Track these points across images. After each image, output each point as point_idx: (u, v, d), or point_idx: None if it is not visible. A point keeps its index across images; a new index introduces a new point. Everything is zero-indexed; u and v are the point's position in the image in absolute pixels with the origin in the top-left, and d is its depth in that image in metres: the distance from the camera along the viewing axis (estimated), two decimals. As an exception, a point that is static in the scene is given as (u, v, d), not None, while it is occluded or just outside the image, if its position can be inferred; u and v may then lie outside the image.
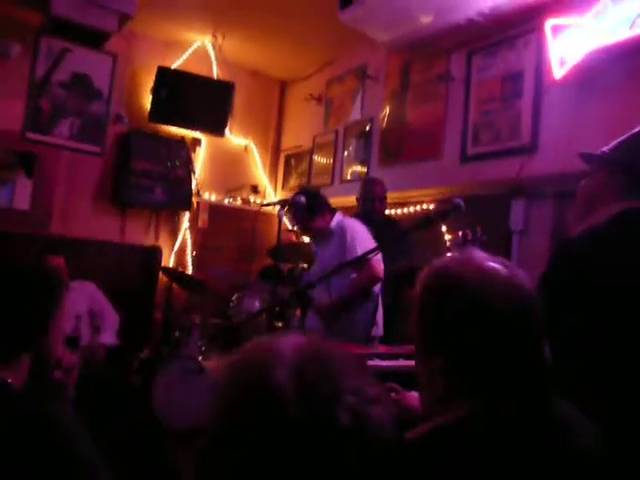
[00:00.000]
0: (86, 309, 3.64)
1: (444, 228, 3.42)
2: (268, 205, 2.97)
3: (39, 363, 1.20)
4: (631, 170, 1.37)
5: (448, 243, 3.30)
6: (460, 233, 2.68)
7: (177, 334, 3.91)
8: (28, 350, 1.16)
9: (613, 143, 1.43)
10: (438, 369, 0.92)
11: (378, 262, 2.83)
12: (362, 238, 2.91)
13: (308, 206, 2.93)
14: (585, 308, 1.23)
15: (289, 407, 0.56)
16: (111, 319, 3.73)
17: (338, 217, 3.07)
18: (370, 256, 2.72)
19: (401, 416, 1.21)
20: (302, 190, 3.10)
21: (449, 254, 1.00)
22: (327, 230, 3.02)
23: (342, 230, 2.95)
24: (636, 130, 1.41)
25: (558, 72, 2.98)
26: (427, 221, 1.80)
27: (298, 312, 3.06)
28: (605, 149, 1.44)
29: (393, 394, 1.35)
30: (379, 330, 2.92)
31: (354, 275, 2.85)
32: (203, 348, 3.71)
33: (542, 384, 0.90)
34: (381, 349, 2.17)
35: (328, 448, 0.55)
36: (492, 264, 0.94)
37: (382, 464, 0.58)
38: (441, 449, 0.85)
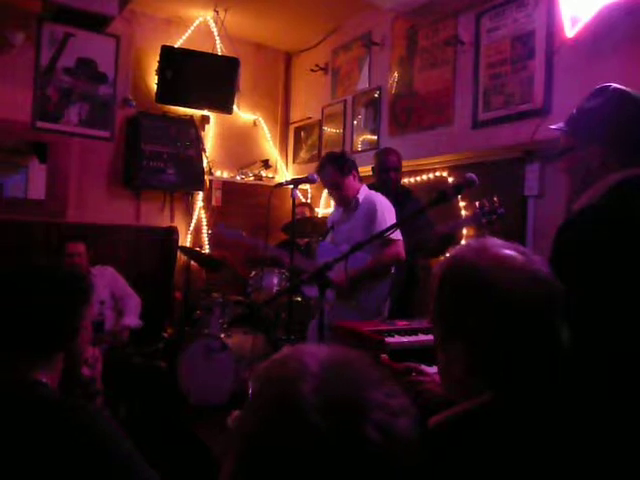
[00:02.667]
0: (108, 294, 3.71)
1: (459, 198, 3.40)
2: (281, 185, 2.95)
3: (69, 362, 1.24)
4: (625, 144, 1.38)
5: (464, 215, 3.28)
6: (477, 204, 2.67)
7: (198, 313, 3.99)
8: (61, 351, 1.20)
9: (593, 110, 1.43)
10: (457, 356, 0.94)
11: (402, 244, 2.83)
12: (391, 215, 2.91)
13: (338, 167, 2.92)
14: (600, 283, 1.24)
15: (314, 423, 0.56)
16: (133, 302, 3.80)
17: (365, 190, 3.05)
18: (395, 237, 2.75)
19: (426, 400, 1.23)
20: (327, 154, 3.07)
21: (464, 243, 1.01)
22: (354, 200, 3.00)
23: (371, 205, 2.92)
24: (605, 98, 1.41)
25: (570, 31, 2.91)
26: (441, 197, 1.79)
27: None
28: (585, 120, 1.44)
29: (418, 376, 1.36)
30: (388, 304, 2.95)
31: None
32: (225, 326, 3.78)
33: (560, 369, 0.91)
34: (400, 324, 2.19)
35: (355, 463, 0.56)
36: (508, 252, 0.95)
37: (407, 476, 0.59)
38: (464, 436, 0.87)
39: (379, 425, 0.58)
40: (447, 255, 1.02)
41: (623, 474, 0.91)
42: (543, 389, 0.88)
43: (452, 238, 3.11)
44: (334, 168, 2.94)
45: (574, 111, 1.51)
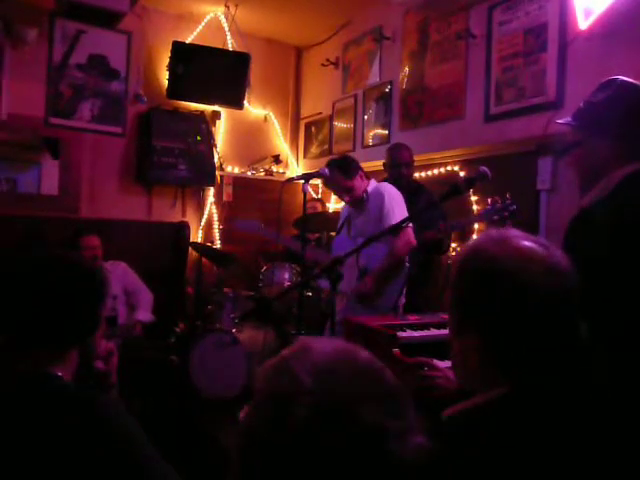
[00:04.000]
0: (121, 289, 3.74)
1: (472, 193, 3.38)
2: (292, 180, 2.95)
3: (84, 356, 1.25)
4: (632, 137, 1.37)
5: (475, 209, 3.26)
6: (489, 201, 2.65)
7: (210, 308, 4.01)
8: (78, 344, 1.21)
9: (600, 104, 1.42)
10: (473, 346, 0.93)
11: (411, 229, 2.85)
12: (399, 203, 2.92)
13: (344, 172, 2.94)
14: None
15: (308, 439, 0.58)
16: (145, 297, 3.83)
17: (373, 183, 3.07)
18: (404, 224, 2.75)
19: (437, 395, 1.23)
20: (330, 161, 3.08)
21: (485, 233, 1.00)
22: (364, 195, 3.02)
23: (379, 195, 2.94)
24: (612, 91, 1.40)
25: (583, 23, 2.87)
26: (453, 191, 1.79)
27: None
28: (596, 113, 1.43)
29: (430, 370, 1.36)
30: (403, 299, 2.95)
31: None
32: (236, 320, 3.80)
33: (579, 361, 0.91)
34: (411, 319, 2.18)
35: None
36: (528, 243, 0.94)
37: None
38: (479, 428, 0.87)
39: (397, 456, 0.58)
40: (466, 245, 1.01)
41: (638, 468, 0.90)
42: (558, 382, 0.88)
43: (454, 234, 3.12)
44: (340, 174, 2.96)
45: (581, 105, 1.50)
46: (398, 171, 3.36)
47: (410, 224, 2.83)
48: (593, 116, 1.44)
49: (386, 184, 3.05)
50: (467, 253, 0.99)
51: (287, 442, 0.59)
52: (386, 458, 0.58)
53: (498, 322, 0.91)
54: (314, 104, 5.29)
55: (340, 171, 2.97)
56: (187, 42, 4.64)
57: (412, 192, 3.25)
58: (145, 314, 3.73)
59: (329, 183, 3.05)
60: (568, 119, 1.51)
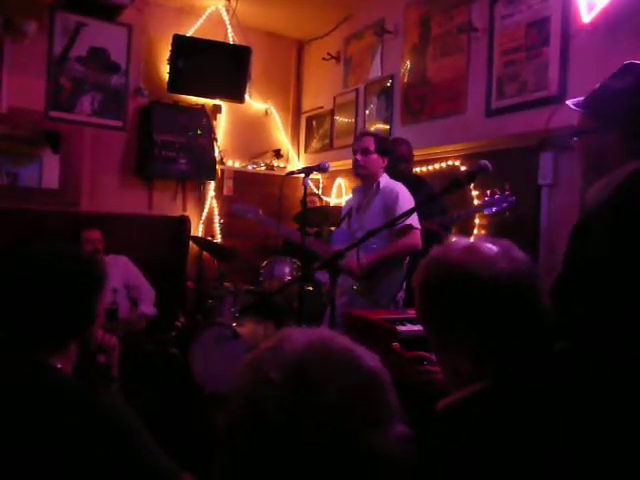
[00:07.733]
0: (121, 282, 3.73)
1: (472, 187, 3.38)
2: (292, 174, 2.93)
3: (84, 348, 1.25)
4: None
5: (475, 203, 3.25)
6: (488, 192, 2.65)
7: (210, 302, 4.01)
8: (77, 337, 1.21)
9: (617, 92, 1.35)
10: (456, 356, 0.95)
11: (420, 233, 2.81)
12: (410, 206, 2.87)
13: (376, 141, 2.97)
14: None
15: (279, 429, 0.59)
16: (147, 291, 3.82)
17: (386, 177, 3.02)
18: (414, 225, 2.75)
19: (436, 390, 1.23)
20: (372, 134, 3.10)
21: (434, 249, 1.01)
22: (375, 184, 2.97)
23: (392, 193, 2.89)
24: (633, 80, 1.34)
25: (586, 16, 2.86)
26: (454, 184, 1.78)
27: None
28: (606, 102, 1.37)
29: (430, 365, 1.36)
30: (402, 294, 2.93)
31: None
32: (236, 315, 3.80)
33: (559, 352, 0.92)
34: (412, 312, 2.18)
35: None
36: (479, 243, 0.97)
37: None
38: (471, 417, 0.88)
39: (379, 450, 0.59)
40: (420, 264, 1.01)
41: (618, 450, 0.91)
42: (537, 373, 0.89)
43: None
44: (373, 139, 2.99)
45: (597, 89, 1.41)
46: (396, 167, 3.34)
47: (418, 226, 2.80)
48: (609, 104, 1.36)
49: (401, 185, 2.98)
50: (423, 270, 1.00)
51: (262, 436, 0.60)
52: (362, 450, 0.58)
53: (480, 326, 0.92)
54: (315, 98, 5.28)
55: (374, 137, 3.00)
56: (188, 35, 4.63)
57: (412, 186, 3.24)
58: (149, 308, 3.73)
59: (358, 141, 3.03)
60: (579, 100, 1.43)
